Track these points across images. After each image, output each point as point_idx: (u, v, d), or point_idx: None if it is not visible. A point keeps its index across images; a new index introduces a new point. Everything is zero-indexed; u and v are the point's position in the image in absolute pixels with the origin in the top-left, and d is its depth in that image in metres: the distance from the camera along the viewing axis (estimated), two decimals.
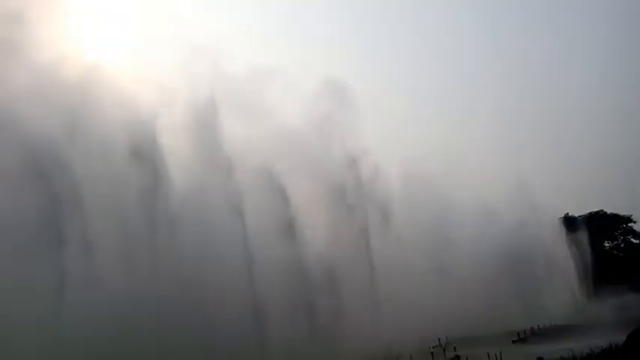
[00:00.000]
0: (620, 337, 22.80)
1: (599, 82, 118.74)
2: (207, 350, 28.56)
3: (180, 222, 32.70)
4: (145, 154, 33.37)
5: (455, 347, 37.67)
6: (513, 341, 40.15)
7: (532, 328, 45.52)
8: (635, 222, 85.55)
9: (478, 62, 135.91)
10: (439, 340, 39.80)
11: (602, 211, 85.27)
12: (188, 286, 29.92)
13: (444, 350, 37.62)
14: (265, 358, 29.52)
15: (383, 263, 42.29)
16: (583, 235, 69.55)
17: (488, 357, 30.75)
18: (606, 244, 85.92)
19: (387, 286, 40.53)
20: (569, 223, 72.77)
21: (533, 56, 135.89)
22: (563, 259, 62.91)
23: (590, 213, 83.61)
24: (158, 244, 31.04)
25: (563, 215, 76.47)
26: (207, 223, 33.60)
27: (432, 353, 36.78)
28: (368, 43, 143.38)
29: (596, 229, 76.26)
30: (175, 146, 35.67)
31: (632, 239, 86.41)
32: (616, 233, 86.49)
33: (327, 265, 38.45)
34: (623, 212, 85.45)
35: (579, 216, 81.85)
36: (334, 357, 33.16)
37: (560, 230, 66.35)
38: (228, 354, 28.99)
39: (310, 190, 41.81)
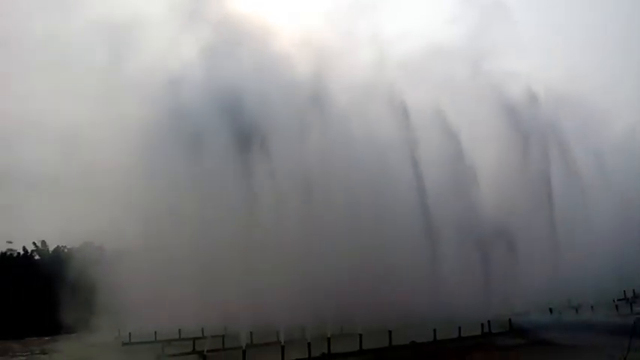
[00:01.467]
0: None
1: None
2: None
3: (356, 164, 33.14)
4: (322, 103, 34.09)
5: None
6: None
7: None
8: None
9: None
10: (624, 292, 36.68)
11: None
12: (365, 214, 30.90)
13: (631, 304, 34.58)
14: (439, 305, 29.32)
15: (563, 204, 38.97)
16: None
17: None
18: None
19: (566, 232, 37.45)
20: None
21: None
22: None
23: None
24: (335, 191, 31.76)
25: None
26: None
27: (616, 306, 34.14)
28: None
29: None
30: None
31: None
32: None
33: (502, 206, 36.38)
34: None
35: None
36: (508, 304, 32.03)
37: None
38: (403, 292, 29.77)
39: (478, 118, 39.28)
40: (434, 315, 28.71)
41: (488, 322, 29.66)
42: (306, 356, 25.22)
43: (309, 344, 25.42)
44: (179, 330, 33.95)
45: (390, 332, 26.95)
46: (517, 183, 38.35)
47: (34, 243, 64.27)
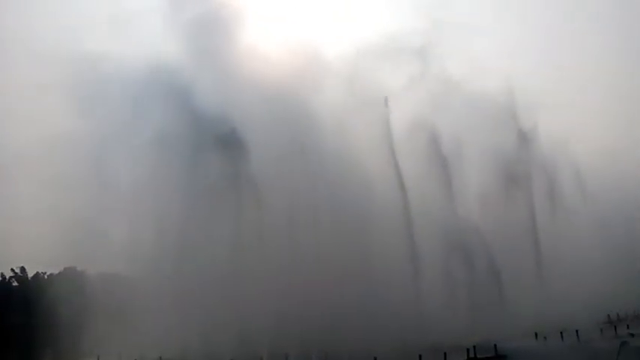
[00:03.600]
0: None
1: None
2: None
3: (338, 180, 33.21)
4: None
5: (628, 325, 34.41)
6: None
7: None
8: None
9: None
10: (609, 316, 36.64)
11: None
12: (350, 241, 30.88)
13: (615, 327, 34.44)
14: (422, 318, 29.26)
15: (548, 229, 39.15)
16: None
17: None
18: None
19: (552, 260, 37.46)
20: None
21: None
22: None
23: None
24: (318, 203, 31.70)
25: None
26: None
27: (601, 330, 33.97)
28: None
29: None
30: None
31: None
32: None
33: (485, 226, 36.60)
34: None
35: None
36: (493, 327, 31.85)
37: None
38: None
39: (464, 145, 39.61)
40: (420, 339, 28.47)
41: (474, 347, 29.32)
42: None
43: None
44: (160, 357, 33.24)
45: (375, 359, 26.56)
46: (501, 210, 38.62)
47: (13, 269, 62.95)
